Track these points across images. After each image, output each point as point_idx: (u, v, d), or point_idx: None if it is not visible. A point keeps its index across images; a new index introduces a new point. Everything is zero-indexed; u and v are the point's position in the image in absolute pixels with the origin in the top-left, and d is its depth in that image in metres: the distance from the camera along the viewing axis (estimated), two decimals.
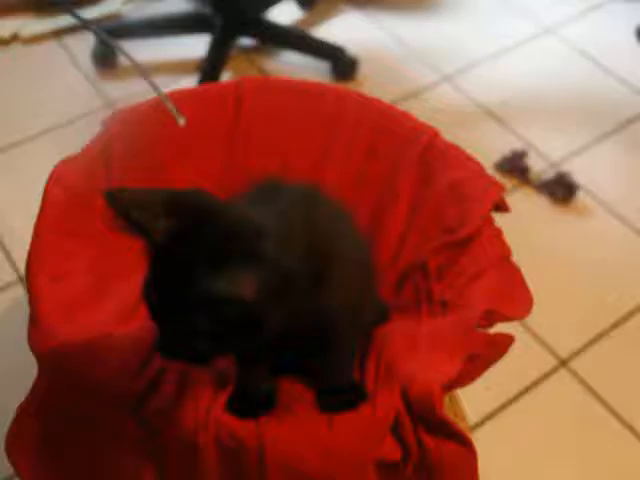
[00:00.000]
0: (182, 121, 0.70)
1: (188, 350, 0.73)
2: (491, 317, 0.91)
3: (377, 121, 1.12)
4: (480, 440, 1.37)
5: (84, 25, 0.85)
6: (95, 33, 0.81)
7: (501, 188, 1.05)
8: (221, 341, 0.72)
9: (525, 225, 1.75)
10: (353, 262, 0.85)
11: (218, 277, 0.69)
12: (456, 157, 1.06)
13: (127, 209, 0.72)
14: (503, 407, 1.44)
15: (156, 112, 1.08)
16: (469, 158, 1.07)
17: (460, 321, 0.90)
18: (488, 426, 1.42)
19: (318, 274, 0.77)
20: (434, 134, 1.10)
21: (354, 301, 0.85)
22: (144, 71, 0.78)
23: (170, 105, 0.71)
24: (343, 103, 1.13)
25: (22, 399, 0.95)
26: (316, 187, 0.86)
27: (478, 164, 1.06)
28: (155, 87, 0.72)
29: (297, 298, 0.73)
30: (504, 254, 0.98)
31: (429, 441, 0.86)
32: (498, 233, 1.00)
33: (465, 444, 0.86)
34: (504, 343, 0.90)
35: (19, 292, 1.58)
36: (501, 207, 1.05)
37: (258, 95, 1.13)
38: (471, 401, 1.35)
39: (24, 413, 0.91)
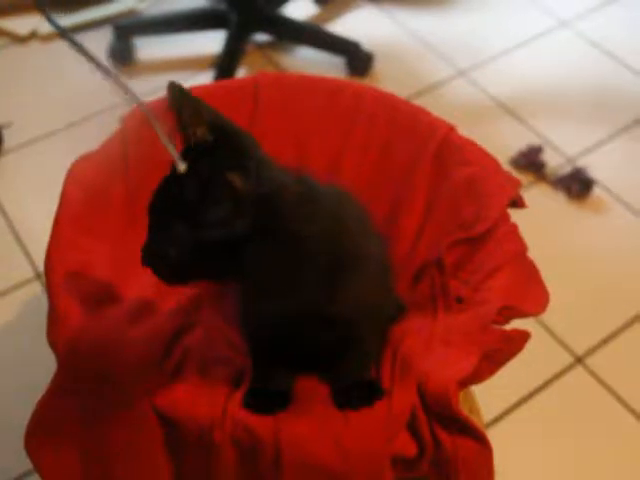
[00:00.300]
0: (182, 167, 0.73)
1: (167, 259, 0.75)
2: (507, 313, 0.91)
3: (393, 117, 1.12)
4: (496, 437, 1.37)
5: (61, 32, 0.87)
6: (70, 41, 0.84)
7: (517, 184, 1.05)
8: (199, 254, 0.74)
9: (541, 220, 1.74)
10: (375, 263, 0.86)
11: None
12: (472, 152, 1.06)
13: (181, 105, 0.77)
14: (519, 404, 1.44)
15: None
16: (485, 153, 1.06)
17: (476, 317, 0.90)
18: (504, 423, 1.42)
19: (340, 273, 0.78)
20: (450, 129, 1.10)
21: (374, 300, 0.86)
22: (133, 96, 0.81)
23: (172, 151, 0.74)
24: (359, 99, 1.13)
25: (41, 395, 0.96)
26: (340, 187, 0.87)
27: (494, 160, 1.06)
28: (154, 124, 0.75)
29: (309, 291, 0.75)
30: (520, 250, 0.98)
31: (445, 437, 0.86)
32: (514, 229, 1.00)
33: (481, 440, 0.86)
34: (520, 339, 0.90)
35: (37, 288, 1.60)
36: (517, 203, 1.05)
37: (275, 90, 1.13)
38: (487, 398, 1.35)
39: (43, 408, 0.92)
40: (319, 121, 1.13)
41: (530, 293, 0.94)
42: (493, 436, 1.37)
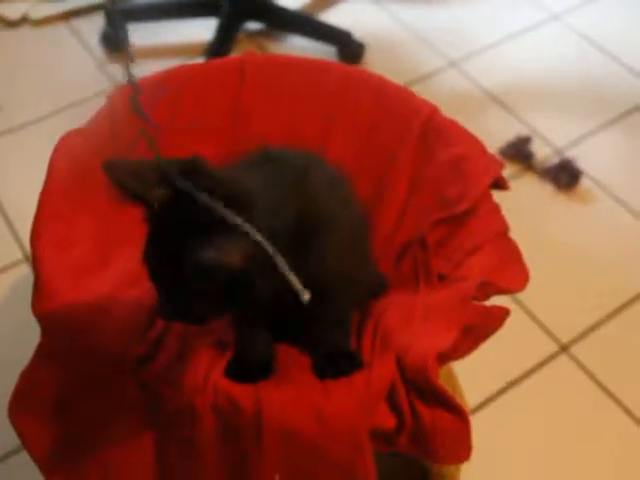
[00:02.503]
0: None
1: (185, 312, 0.75)
2: (486, 289, 0.91)
3: (379, 98, 1.13)
4: (480, 423, 1.37)
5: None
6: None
7: (500, 165, 1.06)
8: (216, 303, 0.75)
9: (529, 211, 1.75)
10: (347, 227, 0.87)
11: (207, 245, 0.72)
12: (456, 133, 1.07)
13: (124, 179, 0.74)
14: (503, 391, 1.45)
15: (162, 85, 1.10)
16: (469, 134, 1.07)
17: (456, 293, 0.91)
18: (488, 410, 1.43)
19: (310, 238, 0.78)
20: (434, 110, 1.11)
21: (348, 267, 0.86)
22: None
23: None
24: (346, 79, 1.14)
25: None
26: (313, 154, 0.87)
27: (478, 140, 1.07)
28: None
29: (288, 261, 0.75)
30: (501, 229, 0.99)
31: (423, 410, 0.86)
32: (496, 208, 1.01)
33: (459, 413, 0.87)
34: (500, 315, 0.91)
35: (26, 270, 1.60)
36: (500, 184, 1.06)
37: (262, 69, 1.14)
38: (471, 384, 1.35)
39: (26, 377, 0.93)
40: (305, 101, 1.14)
41: (510, 270, 0.95)
42: (477, 422, 1.37)
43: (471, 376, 1.28)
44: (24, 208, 1.70)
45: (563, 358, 1.51)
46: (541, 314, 1.57)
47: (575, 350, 1.52)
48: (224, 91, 1.14)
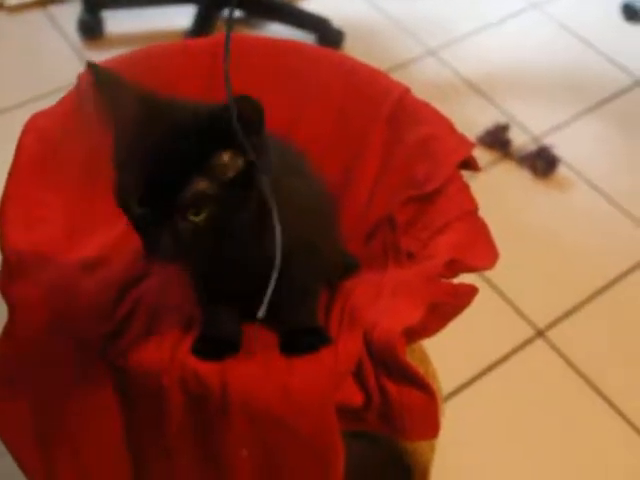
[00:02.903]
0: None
1: (170, 248, 0.75)
2: (454, 267, 0.92)
3: (349, 80, 1.13)
4: (456, 408, 1.38)
5: None
6: None
7: (470, 144, 1.06)
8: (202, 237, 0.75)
9: (506, 197, 1.77)
10: (303, 198, 0.87)
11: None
12: (426, 113, 1.07)
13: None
14: (479, 376, 1.46)
15: (133, 67, 1.09)
16: (439, 114, 1.07)
17: (423, 270, 0.91)
18: (464, 395, 1.43)
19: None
20: (405, 91, 1.11)
21: (307, 233, 0.86)
22: None
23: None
24: (316, 62, 1.14)
25: None
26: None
27: (448, 120, 1.07)
28: None
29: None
30: (470, 208, 0.99)
31: (390, 386, 0.86)
32: (465, 187, 1.01)
33: (426, 390, 0.87)
34: (467, 293, 0.91)
35: None
36: (470, 164, 1.06)
37: (233, 50, 1.13)
38: (447, 369, 1.36)
39: None
40: (275, 83, 1.13)
41: (479, 249, 0.95)
42: (453, 407, 1.39)
43: (447, 361, 1.29)
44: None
45: (539, 343, 1.52)
46: (517, 299, 1.58)
47: (551, 335, 1.53)
48: (197, 72, 1.13)
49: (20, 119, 1.89)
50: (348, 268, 1.03)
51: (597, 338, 1.53)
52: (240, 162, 0.76)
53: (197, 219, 0.74)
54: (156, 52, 1.13)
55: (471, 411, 1.40)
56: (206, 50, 1.15)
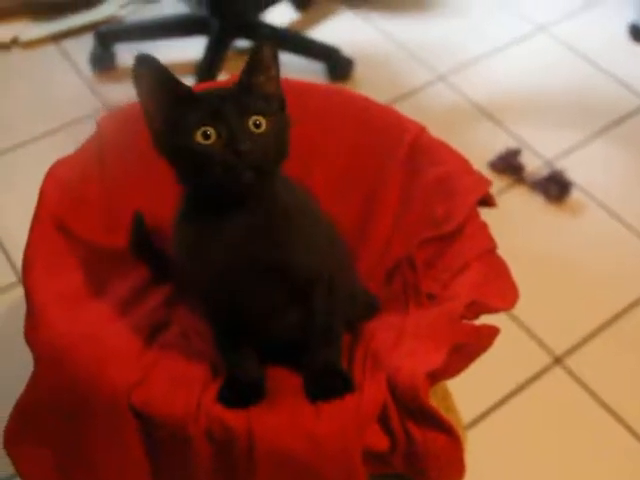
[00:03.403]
0: None
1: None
2: (475, 308, 0.92)
3: (363, 118, 1.13)
4: (475, 439, 1.37)
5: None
6: None
7: (487, 182, 1.07)
8: None
9: (519, 223, 1.76)
10: (320, 239, 0.90)
11: None
12: (443, 152, 1.08)
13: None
14: (498, 405, 1.45)
15: None
16: (456, 153, 1.08)
17: (445, 312, 0.92)
18: (483, 425, 1.42)
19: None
20: (421, 130, 1.11)
21: (326, 265, 0.89)
22: None
23: None
24: (328, 100, 1.14)
25: None
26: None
27: (465, 159, 1.08)
28: None
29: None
30: (489, 247, 0.99)
31: (416, 431, 0.87)
32: (483, 226, 1.01)
33: (450, 434, 0.87)
34: (489, 334, 0.92)
35: (19, 293, 1.60)
36: (488, 202, 1.07)
37: None
38: (465, 400, 1.35)
39: (21, 405, 0.93)
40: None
41: (498, 289, 0.96)
42: (472, 438, 1.38)
43: (465, 391, 1.28)
44: (17, 231, 1.70)
45: (557, 370, 1.51)
46: (534, 327, 1.57)
47: (569, 362, 1.52)
48: None
49: (35, 153, 1.91)
50: (369, 308, 1.03)
51: (616, 364, 1.52)
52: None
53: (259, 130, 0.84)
54: None
55: (491, 441, 1.39)
56: None
